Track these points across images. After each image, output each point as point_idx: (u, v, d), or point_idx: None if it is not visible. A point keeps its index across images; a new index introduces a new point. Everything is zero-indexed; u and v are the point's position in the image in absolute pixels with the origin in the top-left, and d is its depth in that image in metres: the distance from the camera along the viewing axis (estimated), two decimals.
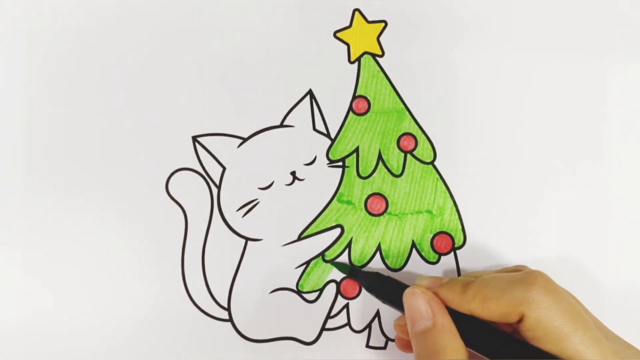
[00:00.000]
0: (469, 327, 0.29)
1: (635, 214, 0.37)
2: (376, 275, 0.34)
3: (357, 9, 0.38)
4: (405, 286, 0.32)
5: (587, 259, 0.37)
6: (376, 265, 0.37)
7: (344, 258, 0.37)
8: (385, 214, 0.37)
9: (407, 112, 0.38)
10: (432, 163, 0.37)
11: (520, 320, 0.28)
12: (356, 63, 0.38)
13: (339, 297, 0.36)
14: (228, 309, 0.36)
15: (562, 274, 0.36)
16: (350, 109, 0.38)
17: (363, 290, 0.36)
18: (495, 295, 0.28)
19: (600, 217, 0.37)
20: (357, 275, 0.35)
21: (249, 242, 0.37)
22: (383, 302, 0.33)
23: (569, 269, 0.37)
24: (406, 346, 0.34)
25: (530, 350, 0.27)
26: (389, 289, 0.33)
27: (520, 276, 0.29)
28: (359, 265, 0.36)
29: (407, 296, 0.31)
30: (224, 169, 0.37)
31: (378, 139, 0.37)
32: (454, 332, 0.28)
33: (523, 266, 0.34)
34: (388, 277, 0.33)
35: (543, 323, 0.27)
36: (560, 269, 0.36)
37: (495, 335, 0.29)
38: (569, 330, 0.27)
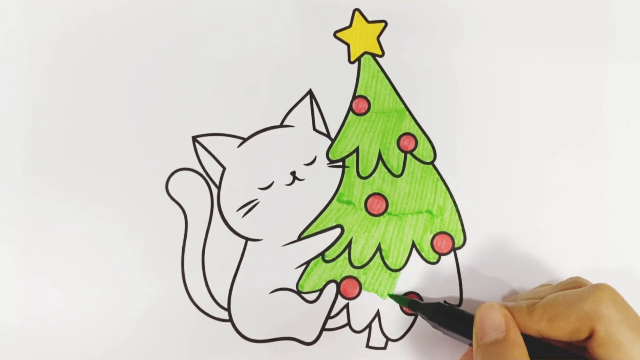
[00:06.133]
0: (537, 350, 0.28)
1: (634, 213, 0.37)
2: (439, 305, 0.33)
3: (357, 9, 0.38)
4: (470, 314, 0.31)
5: (587, 259, 0.37)
6: (376, 264, 0.36)
7: (344, 258, 0.37)
8: (385, 214, 0.37)
9: (407, 112, 0.38)
10: (432, 163, 0.37)
11: (589, 337, 0.27)
12: (356, 63, 0.38)
13: (339, 297, 0.36)
14: (228, 309, 0.36)
15: (562, 274, 0.37)
16: (350, 109, 0.38)
17: (363, 290, 0.36)
18: (564, 312, 0.28)
19: (600, 217, 0.37)
20: (419, 307, 0.34)
21: (249, 242, 0.37)
22: (446, 333, 0.33)
23: (570, 269, 0.37)
24: None
25: None
26: (454, 318, 0.32)
27: (587, 290, 0.28)
28: (359, 265, 0.36)
29: (484, 309, 0.30)
30: (224, 169, 0.37)
31: (378, 139, 0.37)
32: (525, 350, 0.28)
33: (578, 278, 0.33)
34: (451, 306, 0.33)
35: (615, 337, 0.26)
36: (560, 268, 0.36)
37: (564, 355, 0.28)
38: None
